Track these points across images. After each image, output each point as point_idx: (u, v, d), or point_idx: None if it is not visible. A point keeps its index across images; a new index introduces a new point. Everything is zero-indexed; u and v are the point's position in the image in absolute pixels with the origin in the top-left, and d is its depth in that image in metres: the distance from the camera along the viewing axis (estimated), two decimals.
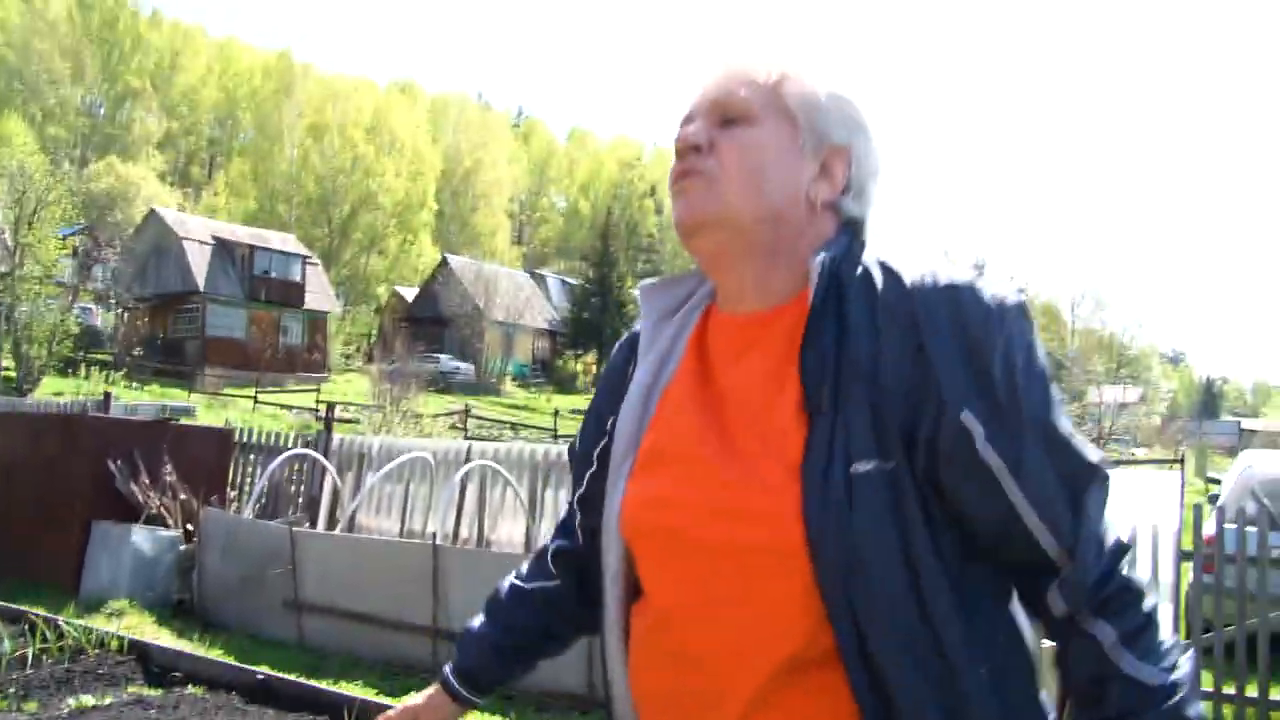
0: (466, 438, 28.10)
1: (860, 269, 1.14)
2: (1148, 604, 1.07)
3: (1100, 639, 1.05)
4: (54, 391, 27.58)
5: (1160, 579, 6.07)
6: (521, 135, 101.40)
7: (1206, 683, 6.05)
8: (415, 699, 1.51)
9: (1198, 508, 6.96)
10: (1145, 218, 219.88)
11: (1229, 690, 6.01)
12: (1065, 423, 1.09)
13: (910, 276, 1.12)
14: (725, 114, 1.20)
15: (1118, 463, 26.21)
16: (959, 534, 1.06)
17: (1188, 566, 6.60)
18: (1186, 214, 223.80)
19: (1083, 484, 1.09)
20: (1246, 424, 66.58)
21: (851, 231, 1.21)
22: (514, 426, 34.23)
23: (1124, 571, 1.08)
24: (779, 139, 1.19)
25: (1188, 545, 6.58)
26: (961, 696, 1.03)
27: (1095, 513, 1.09)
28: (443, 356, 47.21)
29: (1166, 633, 1.06)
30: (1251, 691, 5.98)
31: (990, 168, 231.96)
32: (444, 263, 56.68)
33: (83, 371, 29.74)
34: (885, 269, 1.14)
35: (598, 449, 1.31)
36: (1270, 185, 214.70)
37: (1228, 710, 6.00)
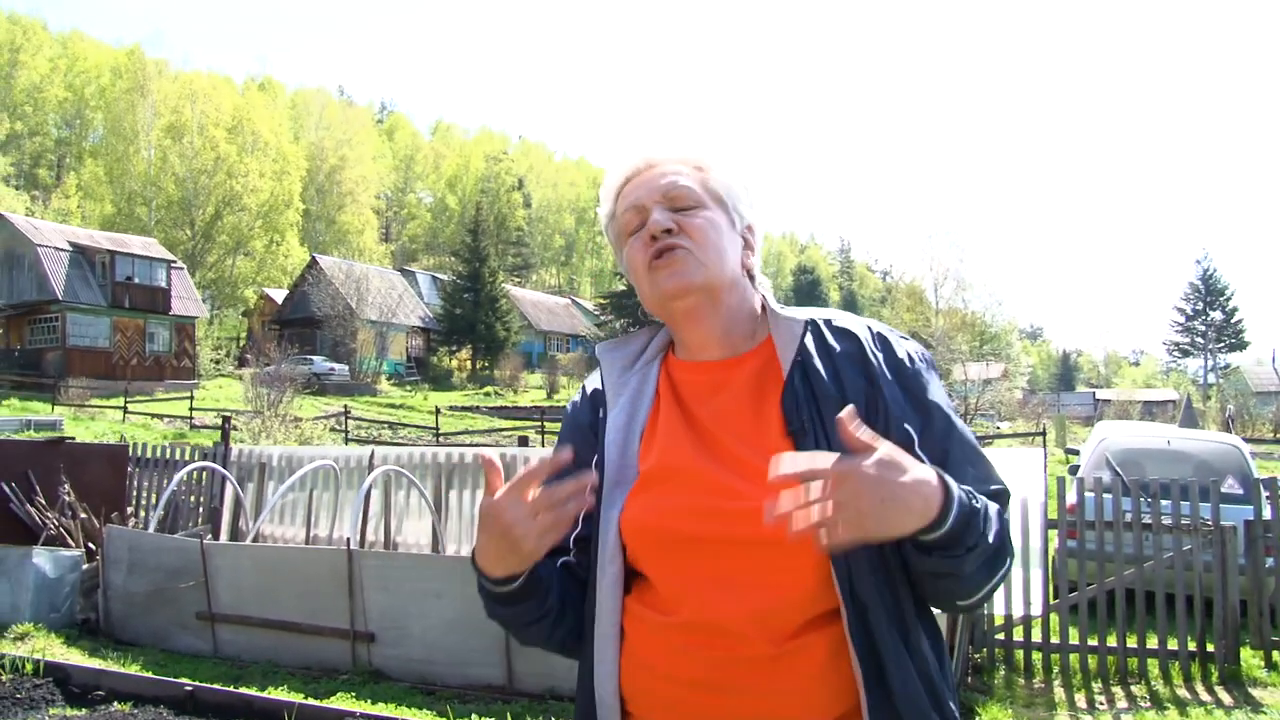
0: (347, 440, 27.80)
1: (804, 322, 1.51)
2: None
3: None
4: None
5: (1031, 545, 6.63)
6: (385, 131, 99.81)
7: (1073, 637, 6.64)
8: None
9: (1061, 480, 7.54)
10: (1002, 201, 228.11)
11: (1093, 642, 6.61)
12: (966, 428, 1.49)
13: (859, 332, 1.52)
14: (675, 204, 1.52)
15: (985, 437, 27.43)
16: None
17: (1055, 534, 7.20)
18: (1042, 196, 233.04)
19: (984, 471, 1.46)
20: (1101, 394, 70.02)
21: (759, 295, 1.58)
22: (393, 426, 33.89)
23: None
24: (721, 220, 1.54)
25: (1054, 514, 7.18)
26: (915, 649, 1.39)
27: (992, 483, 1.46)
28: (316, 358, 46.28)
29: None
30: (1112, 642, 6.59)
31: (855, 157, 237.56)
32: (313, 263, 55.51)
33: None
34: (832, 327, 1.52)
35: (582, 519, 1.47)
36: (1117, 167, 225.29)
37: (1092, 660, 6.60)
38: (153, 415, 31.45)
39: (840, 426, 1.22)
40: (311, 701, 5.54)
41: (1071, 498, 7.53)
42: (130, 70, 61.55)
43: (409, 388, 50.71)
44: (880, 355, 1.48)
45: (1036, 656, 6.67)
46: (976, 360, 45.82)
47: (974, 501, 1.32)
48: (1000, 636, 6.74)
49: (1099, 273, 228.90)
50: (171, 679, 5.90)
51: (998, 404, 40.40)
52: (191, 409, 32.71)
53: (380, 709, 5.50)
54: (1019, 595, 6.67)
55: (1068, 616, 6.73)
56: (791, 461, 1.19)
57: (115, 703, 5.55)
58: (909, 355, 1.50)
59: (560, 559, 1.54)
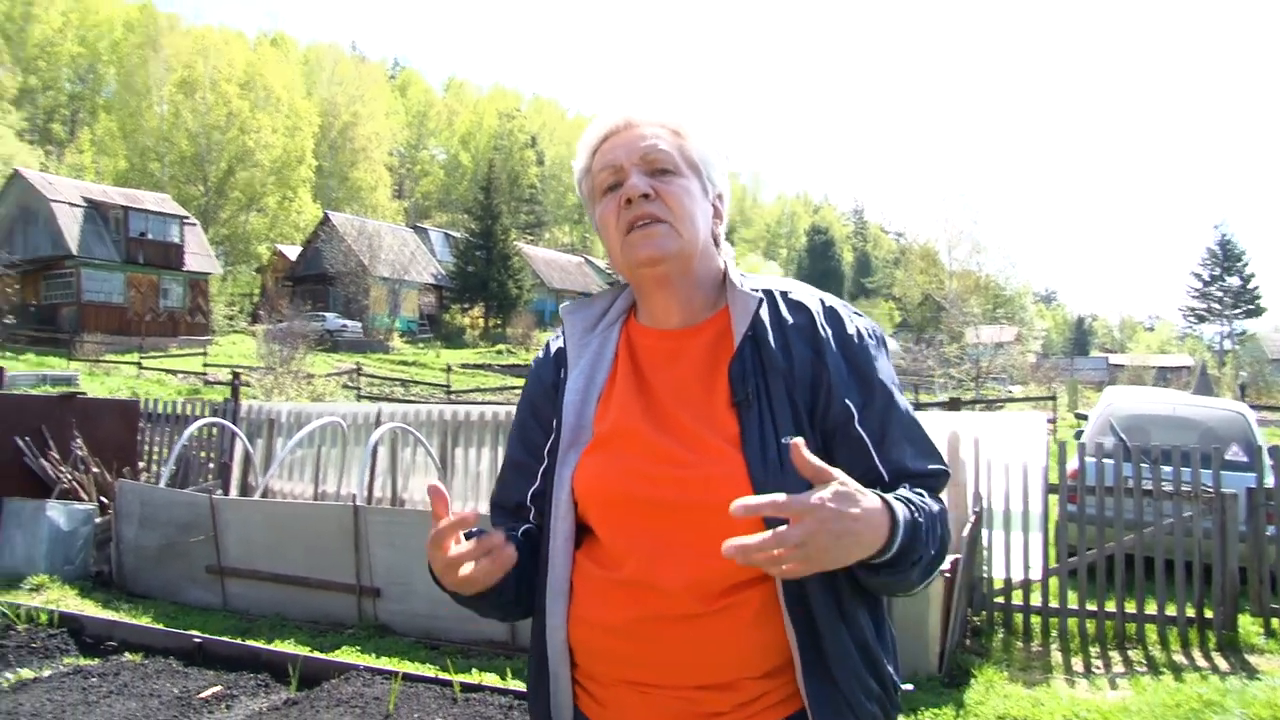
0: (359, 396, 27.96)
1: (759, 295, 1.53)
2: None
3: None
4: None
5: (1031, 510, 6.66)
6: (398, 87, 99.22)
7: (1073, 601, 6.69)
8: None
9: (1063, 445, 7.56)
10: (1019, 163, 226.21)
11: (1092, 606, 6.66)
12: (908, 406, 1.53)
13: (812, 305, 1.54)
14: (653, 166, 1.54)
15: (995, 401, 27.43)
16: None
17: (1055, 499, 7.23)
18: (1060, 158, 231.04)
19: (923, 448, 1.50)
20: (1114, 359, 69.80)
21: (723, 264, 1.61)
22: (405, 384, 34.06)
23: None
24: (694, 187, 1.57)
25: (1055, 480, 7.21)
26: (849, 614, 1.43)
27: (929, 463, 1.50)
28: (329, 315, 46.53)
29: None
30: (1110, 607, 6.64)
31: (870, 117, 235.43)
32: (326, 220, 55.53)
33: None
34: (787, 299, 1.55)
35: (547, 445, 1.61)
36: (1137, 131, 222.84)
37: (1091, 624, 6.65)
38: (167, 371, 31.67)
39: (794, 455, 1.25)
40: (317, 654, 5.64)
41: (1073, 463, 7.56)
42: (142, 24, 61.39)
43: (421, 345, 50.88)
44: (829, 329, 1.51)
45: (1035, 620, 6.72)
46: (989, 323, 45.70)
47: (918, 517, 1.35)
48: (999, 600, 6.79)
49: (1116, 237, 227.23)
50: (181, 631, 6.00)
51: (1010, 368, 40.32)
52: (205, 365, 32.95)
53: (384, 662, 5.60)
54: (1018, 559, 6.73)
55: (1067, 581, 6.77)
56: (753, 503, 1.21)
57: (127, 653, 5.65)
58: (858, 331, 1.53)
59: (523, 526, 1.60)
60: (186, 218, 44.97)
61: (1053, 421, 20.95)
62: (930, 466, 1.47)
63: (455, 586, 1.42)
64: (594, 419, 1.56)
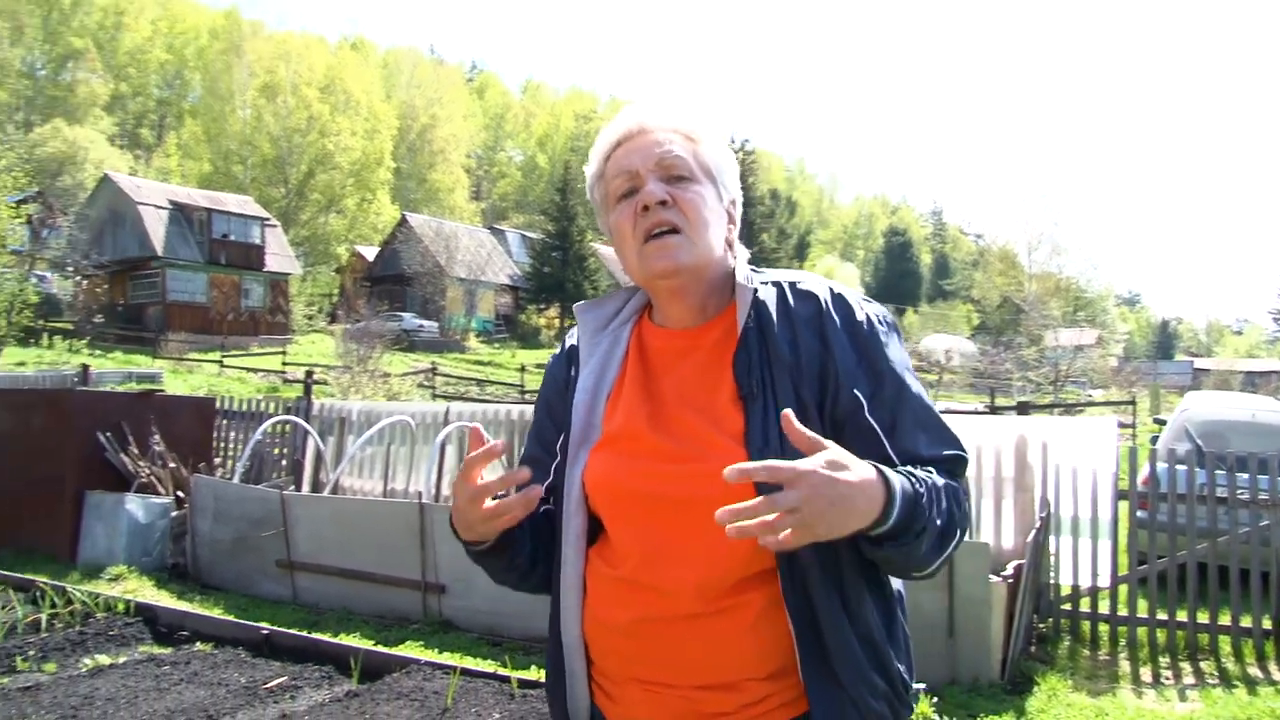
0: (434, 396, 28.32)
1: (771, 288, 1.53)
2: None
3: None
4: (16, 361, 27.41)
5: (1100, 517, 6.53)
6: (476, 89, 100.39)
7: (1143, 610, 6.54)
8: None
9: (1133, 450, 7.39)
10: (1101, 162, 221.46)
11: (1162, 616, 6.50)
12: (921, 392, 1.49)
13: (819, 294, 1.52)
14: (669, 172, 1.52)
15: (1074, 405, 26.89)
16: None
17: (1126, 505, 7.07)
18: (1142, 157, 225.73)
19: (938, 435, 1.47)
20: (1199, 364, 67.89)
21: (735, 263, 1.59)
22: (480, 383, 34.41)
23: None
24: (709, 194, 1.55)
25: (1125, 485, 7.05)
26: (855, 611, 1.42)
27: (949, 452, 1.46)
28: (406, 315, 47.19)
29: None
30: (1182, 616, 6.48)
31: (951, 117, 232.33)
32: (403, 221, 56.31)
33: (44, 341, 29.49)
34: (795, 289, 1.53)
35: (559, 443, 1.61)
36: (1222, 126, 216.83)
37: (1161, 634, 6.49)
38: (248, 369, 32.40)
39: (785, 425, 1.24)
40: (380, 648, 5.75)
41: (1146, 469, 7.38)
42: (227, 31, 62.98)
43: (497, 345, 51.36)
44: (837, 317, 1.49)
45: (1104, 629, 6.58)
46: (1069, 326, 44.79)
47: (918, 487, 1.34)
48: (1066, 607, 6.66)
49: (1203, 238, 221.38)
50: (250, 623, 6.15)
51: (1089, 371, 39.46)
52: (284, 363, 33.64)
53: (446, 657, 5.67)
54: (1086, 566, 6.59)
55: (1137, 589, 6.62)
56: (747, 467, 1.21)
57: (198, 643, 5.81)
58: (867, 317, 1.50)
59: (544, 507, 1.60)
60: (267, 219, 45.99)
61: (1132, 426, 20.49)
62: (946, 452, 1.45)
63: (479, 519, 1.43)
64: (603, 418, 1.56)
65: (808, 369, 1.45)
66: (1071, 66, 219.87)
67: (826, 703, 1.39)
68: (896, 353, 1.50)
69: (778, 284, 1.55)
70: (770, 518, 1.19)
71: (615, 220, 1.57)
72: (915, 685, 1.52)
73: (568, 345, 1.70)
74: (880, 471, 1.29)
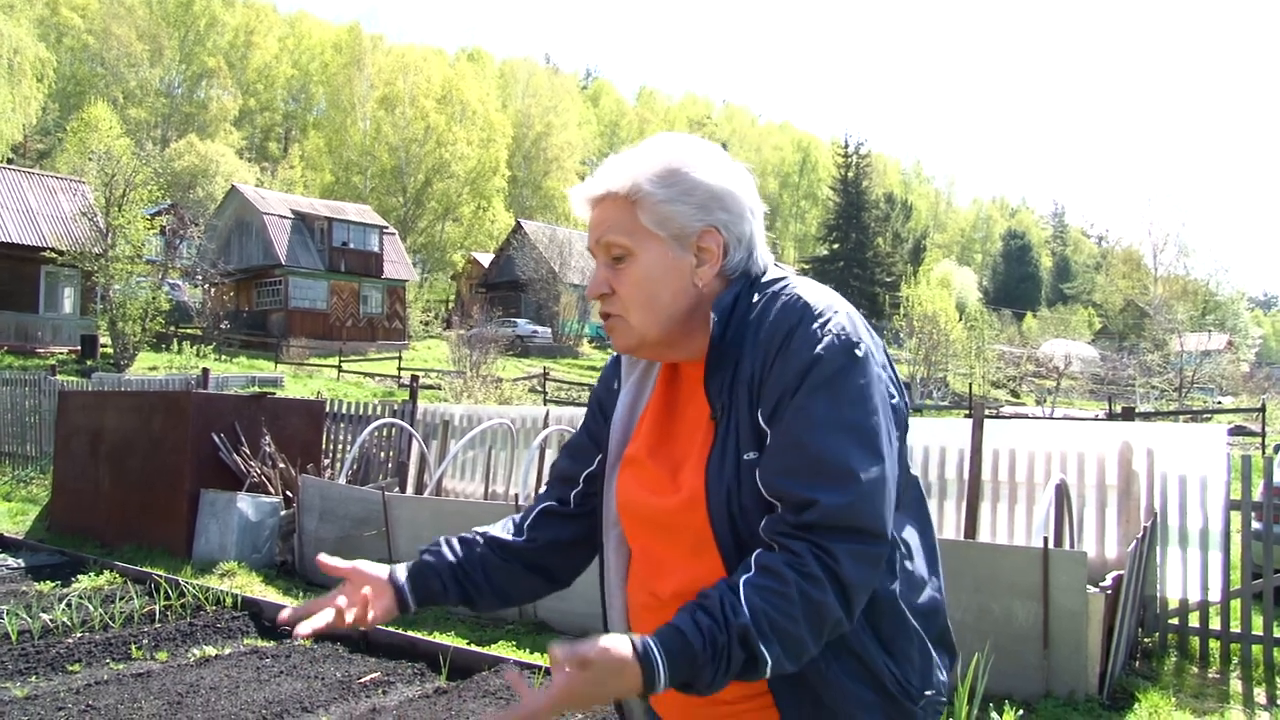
0: (546, 401, 28.66)
1: (754, 304, 1.49)
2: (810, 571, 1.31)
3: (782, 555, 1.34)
4: (149, 366, 28.69)
5: (1210, 528, 6.25)
6: (590, 97, 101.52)
7: (1257, 626, 6.23)
8: (368, 568, 1.71)
9: (1246, 459, 7.04)
10: (1234, 159, 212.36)
11: (1279, 634, 6.19)
12: (837, 432, 1.36)
13: (783, 309, 1.46)
14: (609, 254, 1.53)
15: (1202, 412, 25.83)
16: None
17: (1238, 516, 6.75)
18: (1275, 156, 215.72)
19: (812, 481, 1.34)
20: None
21: (742, 279, 1.53)
22: (591, 388, 34.65)
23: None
24: (656, 259, 1.50)
25: (1237, 495, 6.73)
26: None
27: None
28: (520, 321, 47.91)
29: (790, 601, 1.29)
30: None
31: (1068, 116, 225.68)
32: (518, 228, 57.17)
33: (174, 346, 30.78)
34: (764, 307, 1.47)
35: (597, 460, 1.71)
36: None
37: (1277, 652, 6.17)
38: (365, 374, 33.27)
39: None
40: (471, 647, 5.84)
41: (1276, 478, 7.00)
42: (349, 45, 64.94)
43: (609, 351, 51.53)
44: (784, 336, 1.42)
45: (1214, 645, 6.30)
46: (1196, 330, 43.10)
47: (695, 640, 1.27)
48: (1174, 621, 6.40)
49: None
50: None
51: (1218, 377, 37.88)
52: (400, 368, 34.44)
53: (536, 658, 5.74)
54: (1196, 579, 6.32)
55: (1251, 604, 6.32)
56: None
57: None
58: (815, 339, 1.40)
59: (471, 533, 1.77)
60: (386, 227, 47.14)
61: (1261, 434, 19.58)
62: (809, 496, 1.33)
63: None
64: (631, 437, 1.64)
65: (759, 381, 1.44)
66: (1201, 59, 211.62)
67: (801, 716, 1.45)
68: (837, 382, 1.38)
69: (754, 300, 1.50)
70: None
71: None
72: (926, 692, 1.50)
73: (617, 354, 1.75)
74: (635, 650, 1.26)
